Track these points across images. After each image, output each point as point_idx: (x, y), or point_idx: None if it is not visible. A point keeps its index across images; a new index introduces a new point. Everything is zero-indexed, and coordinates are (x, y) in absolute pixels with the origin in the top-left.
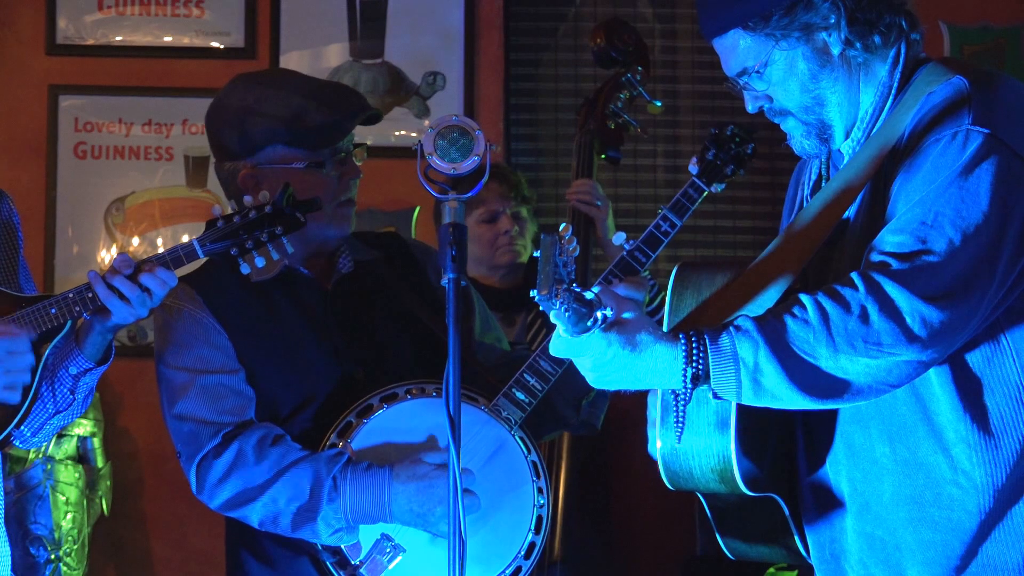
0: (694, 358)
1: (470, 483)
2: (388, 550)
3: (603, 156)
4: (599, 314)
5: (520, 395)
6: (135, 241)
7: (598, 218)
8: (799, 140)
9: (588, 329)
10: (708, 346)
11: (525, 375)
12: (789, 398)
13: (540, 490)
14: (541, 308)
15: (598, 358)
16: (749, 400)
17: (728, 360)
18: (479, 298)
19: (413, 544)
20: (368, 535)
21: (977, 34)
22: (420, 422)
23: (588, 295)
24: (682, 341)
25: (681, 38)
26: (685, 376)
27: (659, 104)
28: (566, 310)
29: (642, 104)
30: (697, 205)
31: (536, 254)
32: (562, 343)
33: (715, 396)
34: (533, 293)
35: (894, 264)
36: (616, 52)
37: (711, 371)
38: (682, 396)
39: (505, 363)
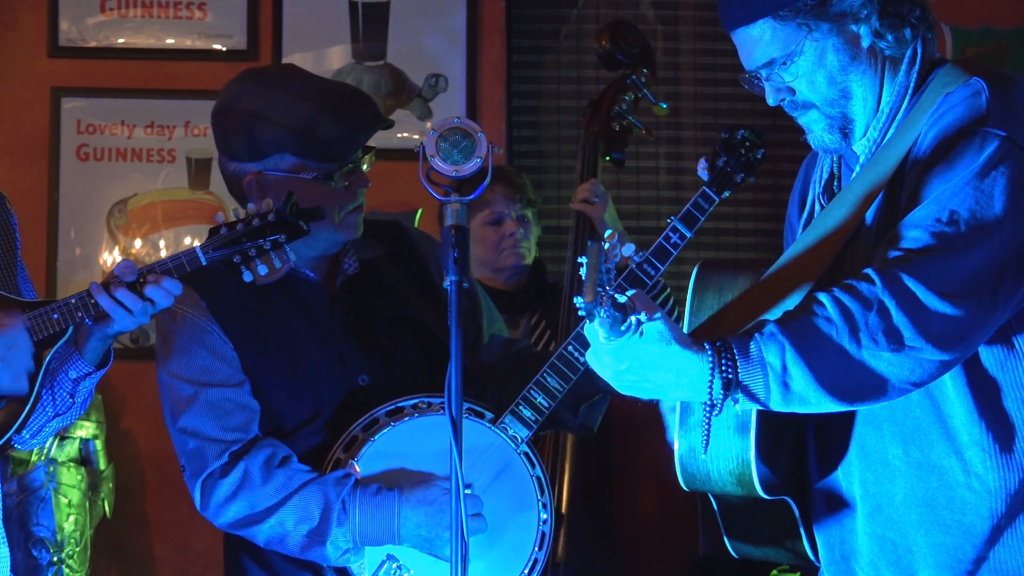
0: (723, 367)
1: (477, 507)
2: (393, 570)
3: (608, 158)
4: (633, 319)
5: (527, 412)
6: (137, 243)
7: (595, 216)
8: (820, 134)
9: (622, 334)
10: (736, 355)
11: (532, 392)
12: (817, 400)
13: (544, 505)
14: (581, 314)
15: (619, 364)
16: (777, 405)
17: (756, 367)
18: (482, 292)
19: (418, 565)
20: (373, 555)
21: (979, 36)
22: (428, 442)
23: (621, 299)
24: (708, 351)
25: (683, 40)
26: (713, 386)
27: (664, 106)
28: (607, 315)
29: (647, 106)
30: (708, 215)
31: (578, 260)
32: (596, 354)
33: (748, 396)
34: (577, 300)
35: (908, 259)
36: (622, 54)
37: (741, 379)
38: (707, 406)
39: (508, 356)
